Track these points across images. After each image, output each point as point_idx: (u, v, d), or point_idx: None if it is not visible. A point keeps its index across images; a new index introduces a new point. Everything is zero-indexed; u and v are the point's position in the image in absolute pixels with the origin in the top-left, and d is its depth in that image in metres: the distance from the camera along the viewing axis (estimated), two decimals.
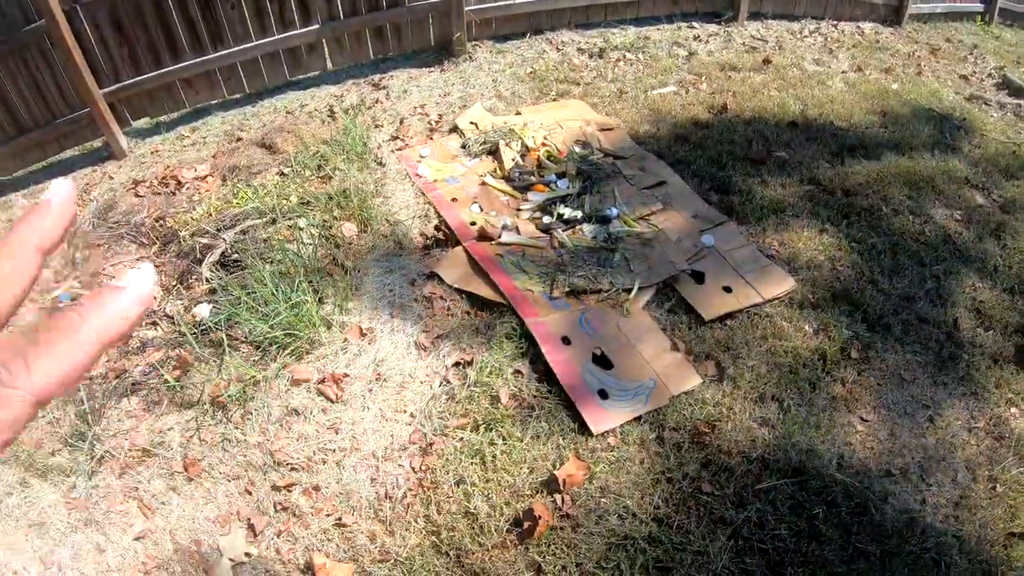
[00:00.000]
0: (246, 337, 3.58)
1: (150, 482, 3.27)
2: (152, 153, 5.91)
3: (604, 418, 2.96)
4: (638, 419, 2.99)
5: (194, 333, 3.63)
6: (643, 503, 2.74)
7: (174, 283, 4.24)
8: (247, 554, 2.93)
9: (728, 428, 2.95)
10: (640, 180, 4.16)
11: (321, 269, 3.80)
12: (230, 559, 2.93)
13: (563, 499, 2.77)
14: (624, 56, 5.76)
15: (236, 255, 4.02)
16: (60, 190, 0.50)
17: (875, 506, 2.74)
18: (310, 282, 3.71)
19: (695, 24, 6.33)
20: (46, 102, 5.89)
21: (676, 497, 2.77)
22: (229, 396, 3.34)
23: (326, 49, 5.99)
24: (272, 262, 3.81)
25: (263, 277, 3.58)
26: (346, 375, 3.31)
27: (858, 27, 7.11)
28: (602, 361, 3.19)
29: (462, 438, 3.03)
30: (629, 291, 3.45)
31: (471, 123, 4.92)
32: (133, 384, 3.62)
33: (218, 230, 4.20)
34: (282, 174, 4.75)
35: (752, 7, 6.51)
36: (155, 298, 4.14)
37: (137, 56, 5.72)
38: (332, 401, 3.24)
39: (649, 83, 5.38)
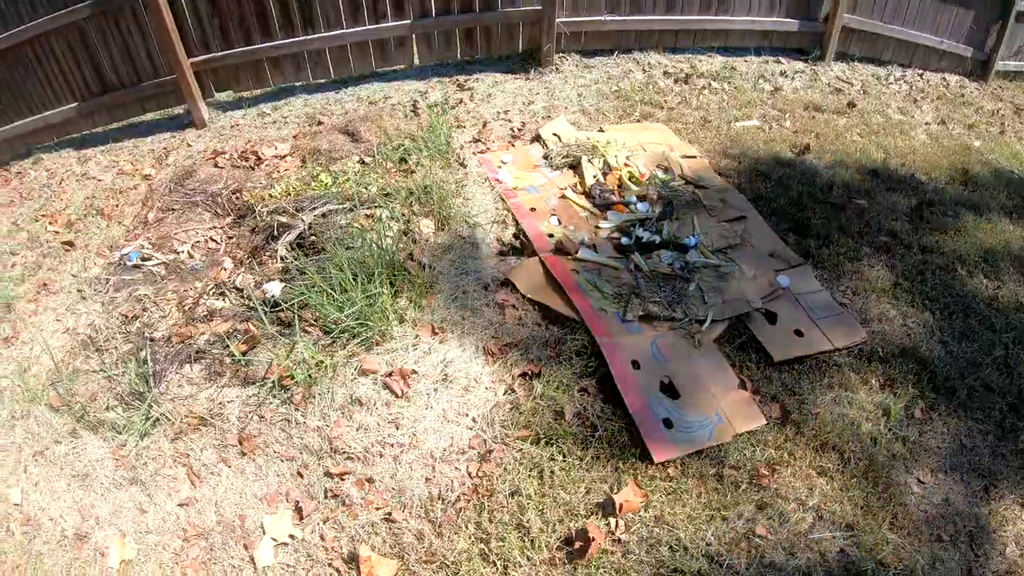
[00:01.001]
0: (316, 320, 3.61)
1: (202, 451, 3.31)
2: (232, 126, 6.00)
3: (667, 448, 2.94)
4: (699, 453, 2.98)
5: (264, 310, 3.68)
6: (696, 538, 2.73)
7: (247, 257, 4.29)
8: (291, 536, 2.96)
9: (787, 473, 2.92)
10: (720, 212, 4.14)
11: (398, 263, 3.83)
12: (273, 538, 2.96)
13: (617, 523, 2.76)
14: (710, 84, 5.74)
15: (313, 237, 4.06)
16: None
17: (922, 570, 2.70)
18: (387, 274, 3.73)
19: (782, 59, 6.29)
20: (133, 65, 6.01)
21: (729, 536, 2.74)
22: (294, 377, 3.37)
23: (415, 45, 6.04)
24: (350, 249, 3.85)
25: (341, 263, 3.61)
26: (414, 371, 3.34)
27: (943, 79, 7.02)
28: (669, 390, 3.18)
29: (522, 449, 3.03)
30: (702, 323, 3.43)
31: (554, 134, 4.94)
32: (197, 352, 3.68)
33: (297, 210, 4.25)
34: (363, 163, 4.80)
35: (840, 47, 6.45)
36: (225, 269, 4.19)
37: (228, 30, 5.83)
38: (397, 396, 3.26)
39: (733, 114, 5.36)
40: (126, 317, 4.03)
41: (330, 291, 3.57)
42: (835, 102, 5.82)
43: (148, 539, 3.11)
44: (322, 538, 2.94)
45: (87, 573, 3.07)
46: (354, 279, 3.57)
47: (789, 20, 6.18)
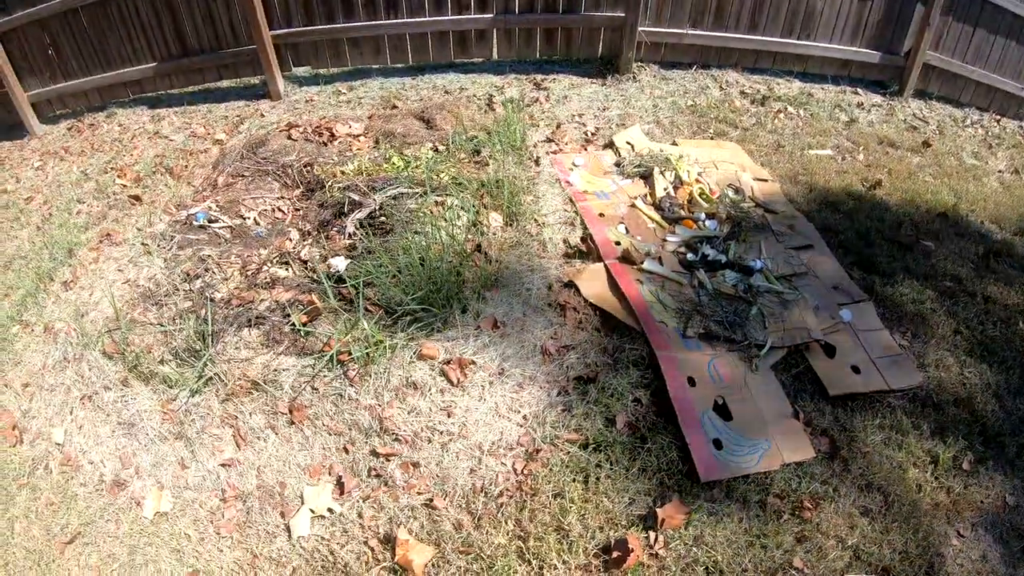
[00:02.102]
0: (379, 300, 3.66)
1: (251, 415, 3.38)
2: (307, 101, 6.08)
3: (714, 468, 2.94)
4: (745, 477, 2.97)
5: (329, 284, 3.72)
6: (733, 562, 2.72)
7: (313, 230, 4.34)
8: (330, 510, 3.01)
9: (830, 509, 2.90)
10: (787, 239, 4.11)
11: (466, 253, 3.86)
12: (311, 510, 3.01)
13: (657, 538, 2.77)
14: (786, 109, 5.69)
15: (383, 218, 4.10)
16: None
17: None
18: (454, 263, 3.76)
19: (859, 90, 6.22)
20: (215, 32, 6.14)
21: (766, 564, 2.73)
22: (352, 354, 3.42)
23: (495, 39, 6.11)
24: (419, 234, 3.88)
25: (410, 247, 3.64)
26: (472, 362, 3.37)
27: (1020, 126, 6.88)
28: (722, 411, 3.17)
29: (570, 452, 3.05)
30: (761, 348, 3.42)
31: (628, 143, 4.95)
32: (257, 317, 3.75)
33: (370, 189, 4.29)
34: (436, 150, 4.84)
35: (918, 84, 6.35)
36: (290, 240, 4.25)
37: (312, 6, 5.94)
38: (452, 384, 3.29)
39: (807, 141, 5.31)
40: (188, 275, 4.10)
41: (397, 273, 3.60)
42: (910, 140, 5.73)
43: (185, 495, 3.19)
44: (360, 515, 2.98)
45: (120, 520, 3.15)
46: (421, 264, 3.60)
47: (870, 51, 6.11)
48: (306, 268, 4.06)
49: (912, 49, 6.11)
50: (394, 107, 5.74)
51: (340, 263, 3.90)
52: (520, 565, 2.74)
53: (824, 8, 5.85)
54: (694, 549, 2.75)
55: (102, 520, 3.18)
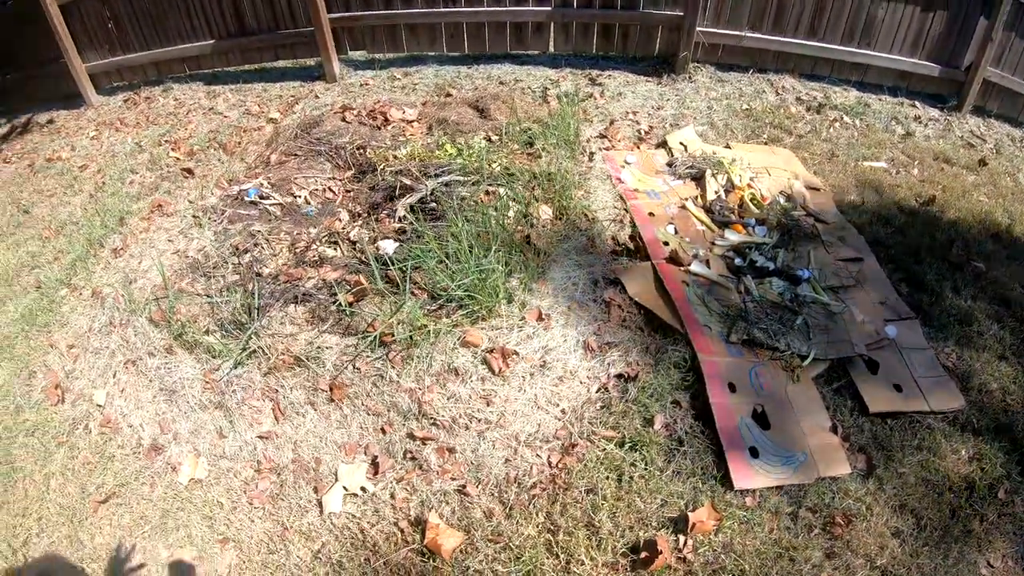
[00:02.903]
0: (425, 285, 3.69)
1: (292, 390, 3.45)
2: (361, 85, 6.14)
3: (749, 476, 2.94)
4: (779, 487, 2.96)
5: (377, 266, 3.77)
6: (760, 573, 2.72)
7: (363, 212, 4.38)
8: (363, 488, 3.06)
9: (862, 527, 2.88)
10: (837, 250, 4.08)
11: (515, 243, 3.89)
12: (345, 487, 3.07)
13: (686, 542, 2.77)
14: (841, 118, 5.62)
15: (433, 204, 4.14)
16: None
17: None
18: (503, 252, 3.79)
19: (917, 103, 6.11)
20: (274, 13, 6.23)
21: None
22: (395, 336, 3.46)
23: (552, 32, 6.12)
24: (470, 221, 3.91)
25: (460, 234, 3.68)
26: (515, 353, 3.40)
27: None
28: (761, 419, 3.17)
29: (606, 449, 3.07)
30: (803, 358, 3.40)
31: (681, 143, 4.94)
32: (304, 294, 3.81)
33: (422, 175, 4.32)
34: (489, 140, 4.87)
35: (977, 101, 6.22)
36: (340, 220, 4.29)
37: None
38: (494, 373, 3.33)
39: (862, 152, 5.24)
40: (237, 249, 4.18)
41: (445, 259, 3.64)
42: (966, 157, 5.63)
43: (221, 463, 3.27)
44: (392, 496, 3.02)
45: (155, 483, 3.24)
46: (470, 251, 3.63)
47: (930, 64, 5.99)
48: (354, 249, 4.10)
49: (972, 64, 5.99)
50: (448, 95, 5.78)
51: (389, 246, 3.94)
52: (548, 558, 2.76)
53: (885, 17, 5.75)
54: (722, 556, 2.75)
55: (137, 482, 3.27)
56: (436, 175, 4.32)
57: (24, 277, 4.72)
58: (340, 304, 3.67)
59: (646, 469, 3.00)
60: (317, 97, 6.20)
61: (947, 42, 5.89)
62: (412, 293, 3.64)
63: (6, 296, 4.58)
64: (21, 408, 3.73)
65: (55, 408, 3.69)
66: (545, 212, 4.17)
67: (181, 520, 3.10)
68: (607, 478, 2.98)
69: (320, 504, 3.04)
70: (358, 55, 6.64)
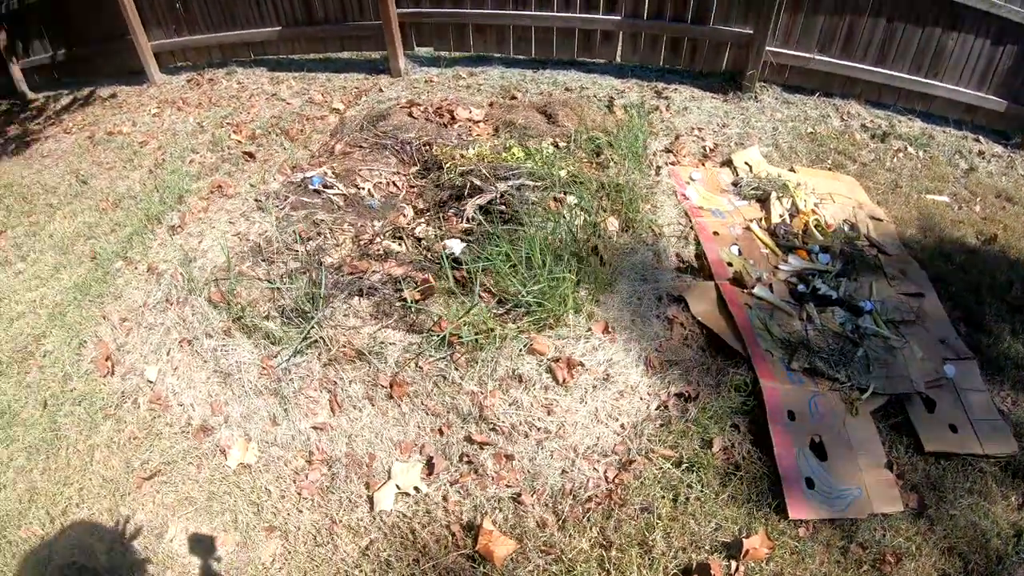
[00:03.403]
0: (493, 288, 3.72)
1: (351, 383, 3.47)
2: (426, 82, 6.19)
3: (804, 507, 2.96)
4: (832, 520, 2.96)
5: (449, 265, 3.79)
6: None
7: (429, 209, 4.41)
8: (416, 488, 3.07)
9: (910, 566, 2.87)
10: (899, 284, 4.07)
11: (583, 253, 3.91)
12: (398, 486, 3.08)
13: (738, 568, 2.78)
14: (905, 148, 5.58)
15: (502, 207, 4.16)
16: None
17: None
18: (573, 262, 3.81)
19: (981, 138, 6.04)
20: (342, 4, 6.33)
21: None
22: (461, 337, 3.49)
23: (620, 42, 6.13)
24: (541, 228, 3.94)
25: (533, 240, 3.71)
26: (580, 364, 3.42)
27: None
28: (818, 450, 3.18)
29: (663, 468, 3.09)
30: (863, 391, 3.41)
31: (746, 163, 4.95)
32: (369, 288, 3.83)
33: (493, 176, 4.35)
34: (557, 146, 4.90)
35: None
36: (404, 216, 4.33)
37: None
38: (557, 383, 3.36)
39: (925, 185, 5.20)
40: (300, 236, 4.21)
41: (517, 263, 3.66)
42: None
43: (272, 451, 3.30)
44: (445, 499, 3.05)
45: (202, 464, 3.28)
46: (542, 258, 3.65)
47: (996, 99, 5.93)
48: (419, 246, 4.14)
49: None
50: (514, 97, 5.82)
51: (456, 246, 3.97)
52: (599, 573, 2.78)
53: (955, 48, 5.70)
54: None
55: (184, 462, 3.32)
56: (506, 177, 4.36)
57: (79, 247, 4.82)
58: (406, 300, 3.70)
59: (702, 491, 3.01)
60: (381, 91, 6.26)
61: (1015, 77, 5.81)
62: (480, 295, 3.67)
63: (60, 264, 4.68)
64: (69, 376, 3.80)
65: (104, 380, 3.75)
66: (612, 224, 4.20)
67: (227, 504, 3.14)
68: (663, 497, 3.00)
69: (371, 500, 3.06)
70: (424, 51, 6.70)
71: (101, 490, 3.23)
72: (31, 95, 7.95)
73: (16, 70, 7.91)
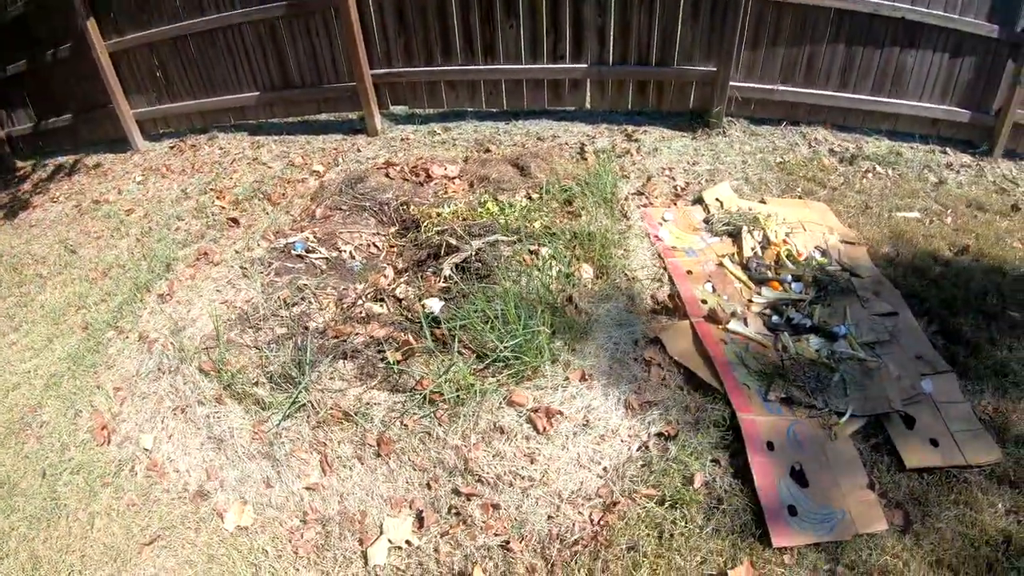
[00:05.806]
0: (471, 344, 3.81)
1: (340, 444, 3.55)
2: (402, 139, 6.32)
3: (787, 534, 3.01)
4: (817, 545, 3.01)
5: (427, 324, 3.90)
6: None
7: (408, 269, 4.52)
8: (407, 542, 3.14)
9: None
10: (872, 305, 4.15)
11: (558, 304, 4.01)
12: (390, 540, 3.14)
13: None
14: (874, 168, 5.69)
15: (478, 264, 4.27)
16: None
17: None
18: (547, 313, 3.91)
19: (948, 150, 6.16)
20: (317, 67, 6.48)
21: None
22: (443, 394, 3.58)
23: (588, 89, 6.28)
24: (515, 283, 4.05)
25: (508, 295, 3.81)
26: (560, 412, 3.50)
27: None
28: (799, 477, 3.24)
29: (647, 507, 3.15)
30: (841, 415, 3.47)
31: (717, 199, 5.06)
32: (352, 351, 3.93)
33: (467, 234, 4.47)
34: (530, 198, 5.01)
35: (1008, 144, 6.25)
36: (385, 277, 4.43)
37: (412, 49, 6.25)
38: (538, 432, 3.43)
39: (895, 203, 5.31)
40: (285, 302, 4.33)
41: (493, 319, 3.77)
42: (999, 203, 5.66)
43: (267, 512, 3.38)
44: (436, 551, 3.11)
45: (200, 528, 3.35)
46: (517, 312, 3.76)
47: (960, 110, 6.06)
48: (400, 306, 4.24)
49: (1002, 108, 6.04)
50: (487, 150, 5.96)
51: (435, 305, 4.08)
52: None
53: (914, 65, 5.84)
54: None
55: (182, 526, 3.39)
56: (480, 235, 4.48)
57: (71, 317, 4.92)
58: (388, 362, 3.80)
59: (686, 527, 3.06)
60: (359, 150, 6.40)
61: (976, 87, 5.96)
62: (459, 352, 3.76)
63: (53, 334, 4.77)
64: (67, 446, 3.88)
65: (101, 449, 3.83)
66: (586, 271, 4.30)
67: (227, 566, 3.20)
68: (648, 535, 3.04)
69: (365, 556, 3.12)
70: (399, 109, 6.85)
71: (103, 557, 3.29)
72: (17, 163, 8.16)
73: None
